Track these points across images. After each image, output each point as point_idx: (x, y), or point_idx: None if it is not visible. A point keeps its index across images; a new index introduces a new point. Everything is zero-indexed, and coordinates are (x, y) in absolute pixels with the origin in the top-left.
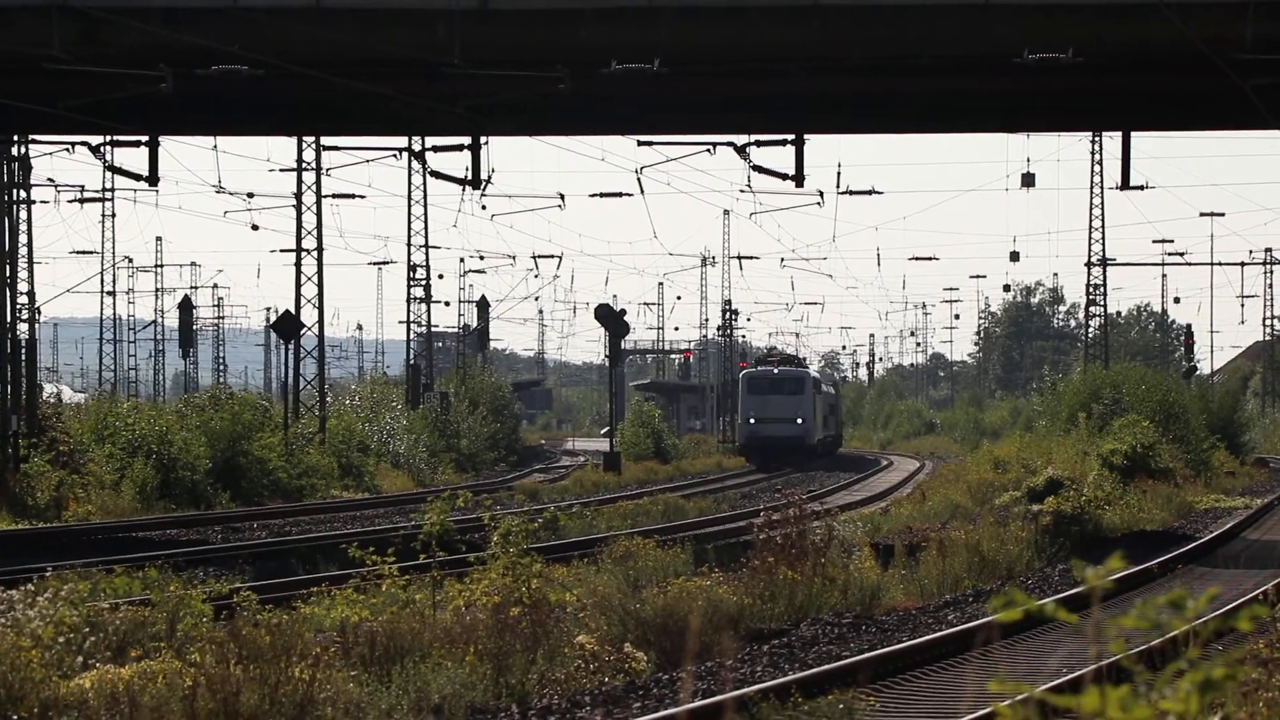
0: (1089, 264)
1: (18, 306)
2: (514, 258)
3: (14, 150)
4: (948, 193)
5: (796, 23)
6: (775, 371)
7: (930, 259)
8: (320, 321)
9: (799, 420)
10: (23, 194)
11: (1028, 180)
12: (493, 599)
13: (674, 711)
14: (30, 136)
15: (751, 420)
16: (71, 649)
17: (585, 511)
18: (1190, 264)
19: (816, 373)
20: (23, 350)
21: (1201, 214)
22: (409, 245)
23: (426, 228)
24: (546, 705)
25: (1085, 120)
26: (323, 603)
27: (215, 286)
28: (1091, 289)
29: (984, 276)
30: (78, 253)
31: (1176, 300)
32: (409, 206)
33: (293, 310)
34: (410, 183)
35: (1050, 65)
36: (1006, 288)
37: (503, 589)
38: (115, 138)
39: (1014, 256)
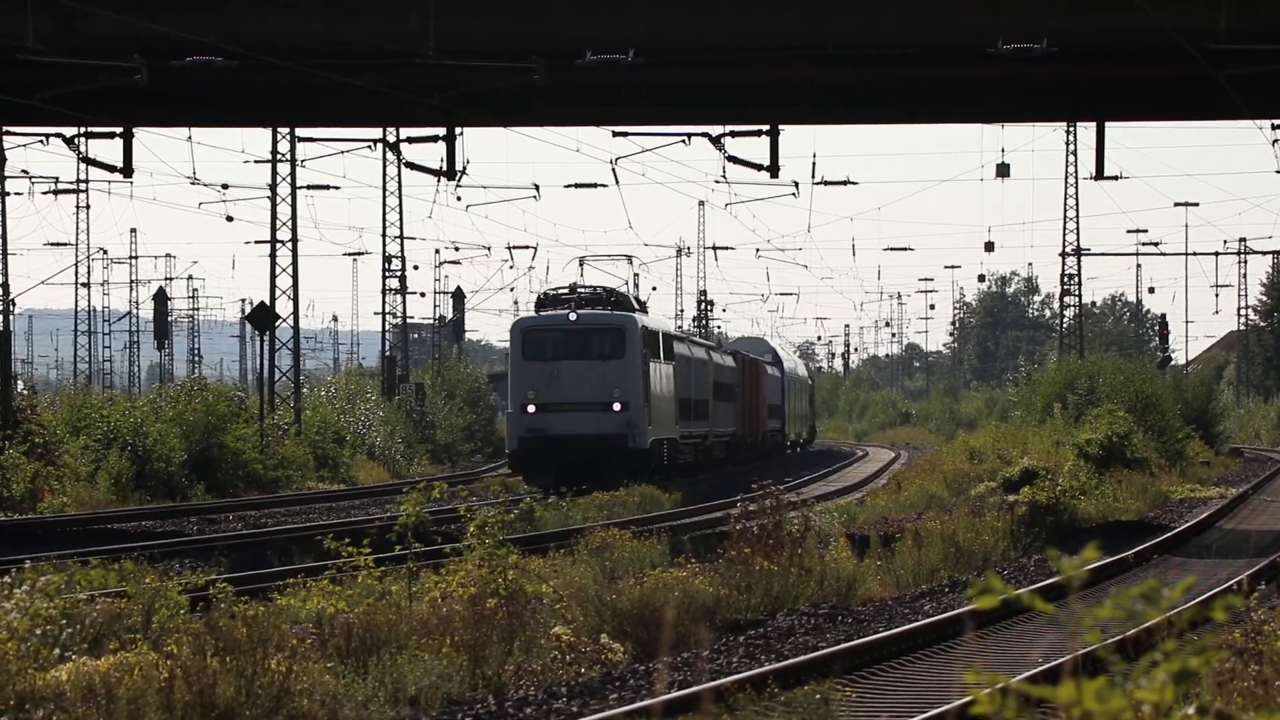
0: (1064, 254)
1: None
2: (489, 249)
3: None
4: (923, 183)
5: (769, 12)
6: (572, 318)
7: (905, 249)
8: (295, 313)
9: (616, 406)
10: None
11: (1002, 170)
12: (469, 590)
13: (650, 703)
14: (4, 128)
15: (529, 408)
16: (48, 641)
17: (560, 503)
18: (1165, 254)
19: (666, 324)
20: None
21: (1176, 204)
22: (384, 236)
23: (401, 219)
24: (523, 696)
25: (1060, 110)
26: (299, 594)
27: (190, 278)
28: (1066, 279)
29: (959, 267)
30: (52, 244)
31: (1151, 290)
32: (384, 198)
33: (268, 302)
34: (385, 174)
35: (1024, 55)
36: (981, 278)
37: (479, 580)
38: (90, 129)
39: (989, 247)
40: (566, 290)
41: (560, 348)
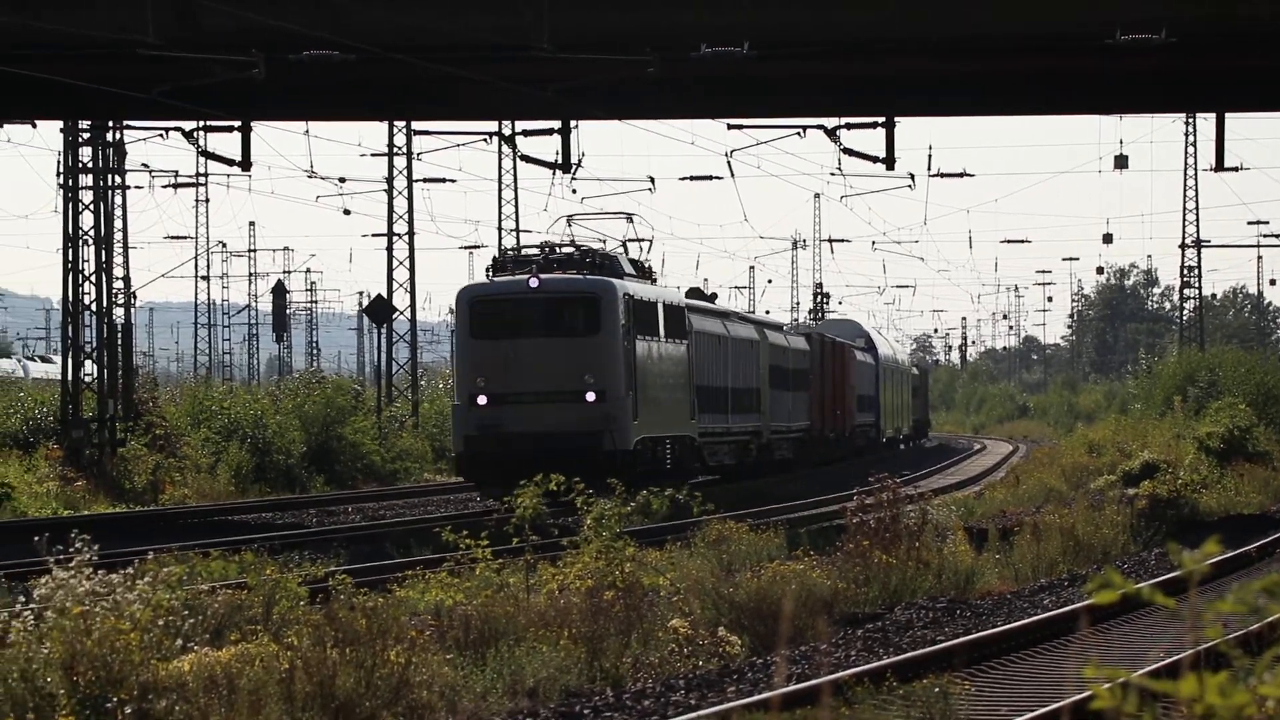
0: (1183, 246)
1: (114, 291)
2: (604, 241)
3: (109, 136)
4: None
5: (882, 3)
6: (533, 284)
7: (1023, 241)
8: (412, 306)
9: (589, 396)
10: (118, 179)
11: (1121, 162)
12: (586, 583)
13: (769, 695)
14: (125, 122)
15: (479, 399)
16: (170, 632)
17: (678, 495)
18: None
19: (672, 295)
20: (119, 335)
21: None
22: (500, 229)
23: (517, 212)
24: (641, 689)
25: (1179, 102)
26: (417, 586)
27: (308, 271)
28: (1186, 271)
29: (1077, 259)
30: (172, 238)
31: (1273, 282)
32: (499, 191)
33: (385, 295)
34: (500, 167)
35: (1143, 46)
36: (1100, 270)
37: (596, 573)
38: (208, 123)
39: (1107, 239)
40: (535, 250)
41: (518, 322)
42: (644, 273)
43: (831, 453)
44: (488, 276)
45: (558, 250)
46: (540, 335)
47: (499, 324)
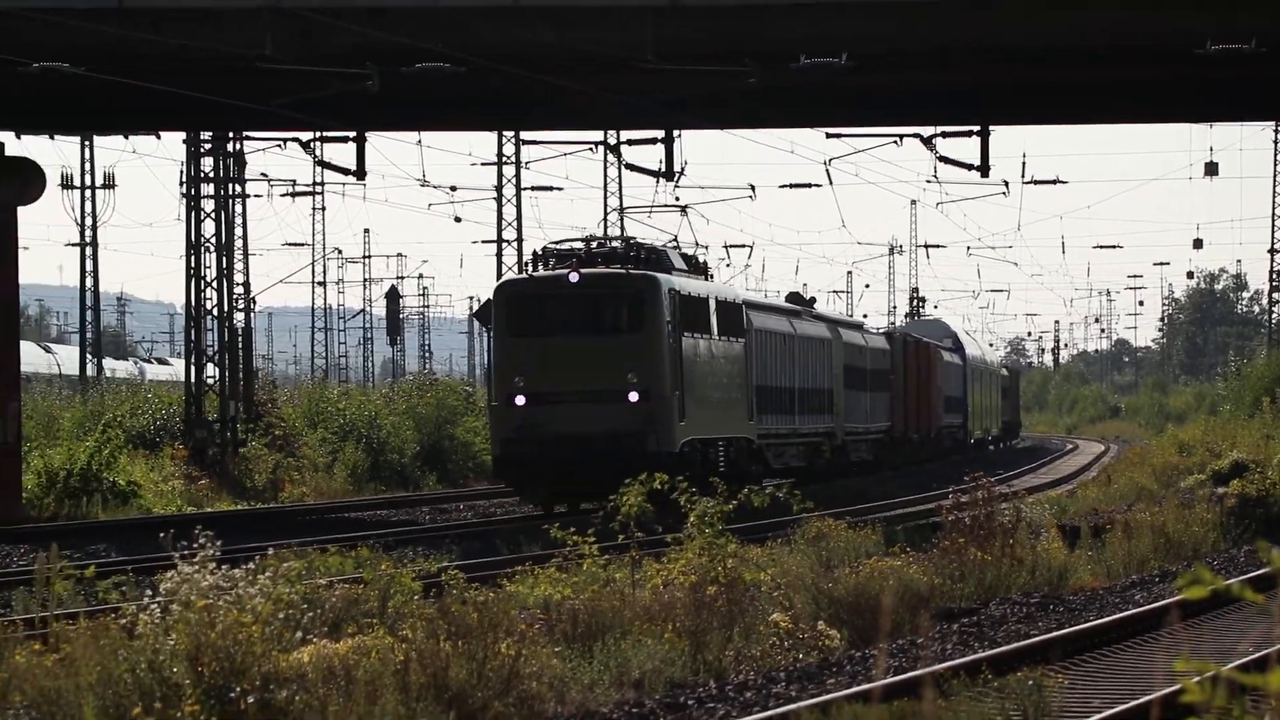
0: (1272, 251)
1: (234, 296)
2: (706, 247)
3: (230, 147)
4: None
5: (977, 14)
6: (573, 278)
7: (1114, 247)
8: None
9: (632, 395)
10: (238, 188)
11: (1211, 169)
12: (690, 578)
13: (869, 687)
14: (245, 133)
15: (518, 399)
16: (290, 625)
17: (778, 494)
18: None
19: (727, 288)
20: (240, 338)
21: None
22: (605, 236)
23: (622, 219)
24: (743, 681)
25: (1268, 110)
26: (526, 581)
27: (420, 276)
28: (1275, 275)
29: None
30: (290, 244)
31: None
32: (605, 198)
33: None
34: (606, 175)
35: (1233, 56)
36: (1190, 274)
37: (699, 568)
38: (324, 134)
39: (1197, 244)
40: (579, 243)
41: (557, 319)
42: (696, 268)
43: (916, 454)
44: (525, 271)
45: (605, 244)
46: (580, 332)
47: (538, 321)
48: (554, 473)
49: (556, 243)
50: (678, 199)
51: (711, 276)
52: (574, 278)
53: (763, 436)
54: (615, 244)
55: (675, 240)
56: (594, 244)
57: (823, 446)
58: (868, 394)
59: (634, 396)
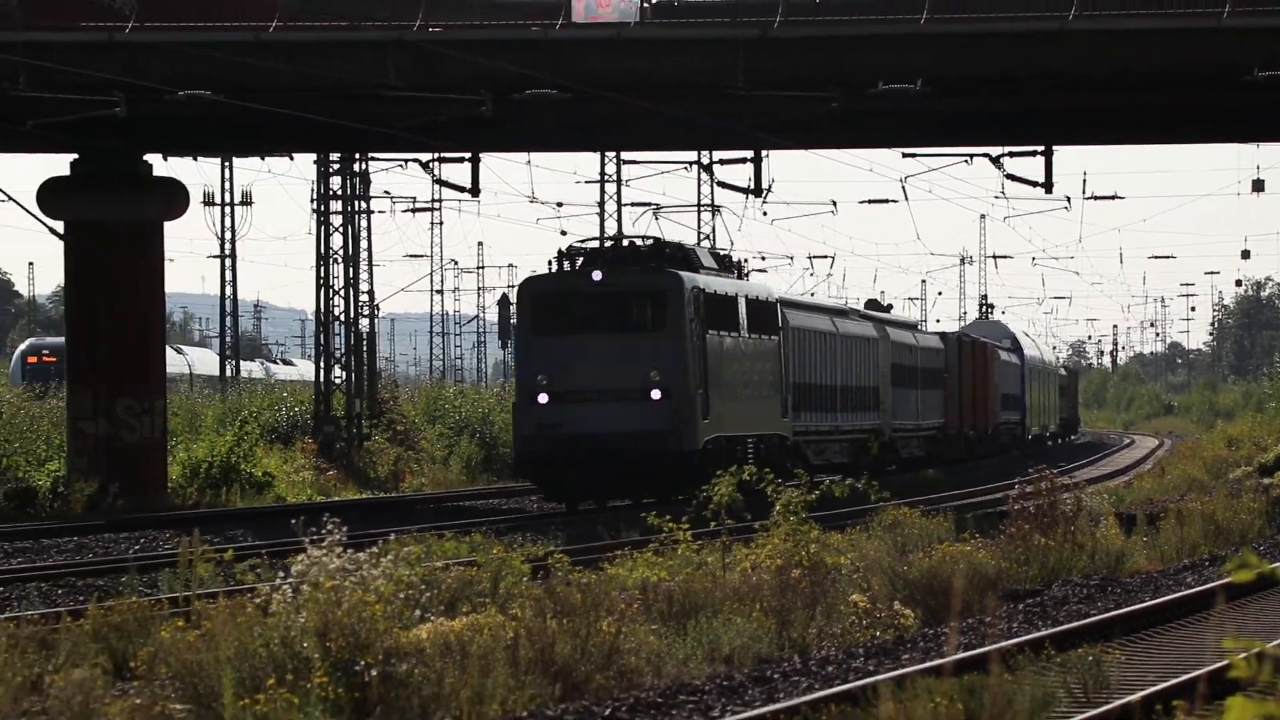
0: None
1: (360, 304)
2: (792, 258)
3: (356, 167)
4: (1185, 197)
5: (1043, 44)
6: (596, 277)
7: (1168, 258)
8: None
9: (655, 394)
10: (363, 205)
11: (1258, 185)
12: (776, 562)
13: (942, 661)
14: (369, 155)
15: (541, 398)
16: (410, 604)
17: (858, 485)
18: None
19: (759, 286)
20: (364, 342)
21: None
22: (619, 235)
23: (714, 232)
24: (825, 656)
25: None
26: (625, 564)
27: None
28: None
29: (1218, 273)
30: (410, 256)
31: None
32: (699, 213)
33: None
34: (699, 192)
35: (1278, 83)
36: (1238, 282)
37: (784, 553)
38: (442, 155)
39: (1245, 254)
40: (608, 241)
41: (581, 317)
42: (727, 266)
43: (972, 450)
44: (550, 269)
45: (632, 242)
46: (604, 331)
47: (561, 319)
48: (576, 471)
49: (582, 241)
50: (765, 213)
51: (747, 275)
52: (597, 276)
53: (800, 433)
54: (642, 241)
55: (709, 239)
56: (619, 242)
57: (869, 443)
58: (918, 391)
59: (656, 395)
